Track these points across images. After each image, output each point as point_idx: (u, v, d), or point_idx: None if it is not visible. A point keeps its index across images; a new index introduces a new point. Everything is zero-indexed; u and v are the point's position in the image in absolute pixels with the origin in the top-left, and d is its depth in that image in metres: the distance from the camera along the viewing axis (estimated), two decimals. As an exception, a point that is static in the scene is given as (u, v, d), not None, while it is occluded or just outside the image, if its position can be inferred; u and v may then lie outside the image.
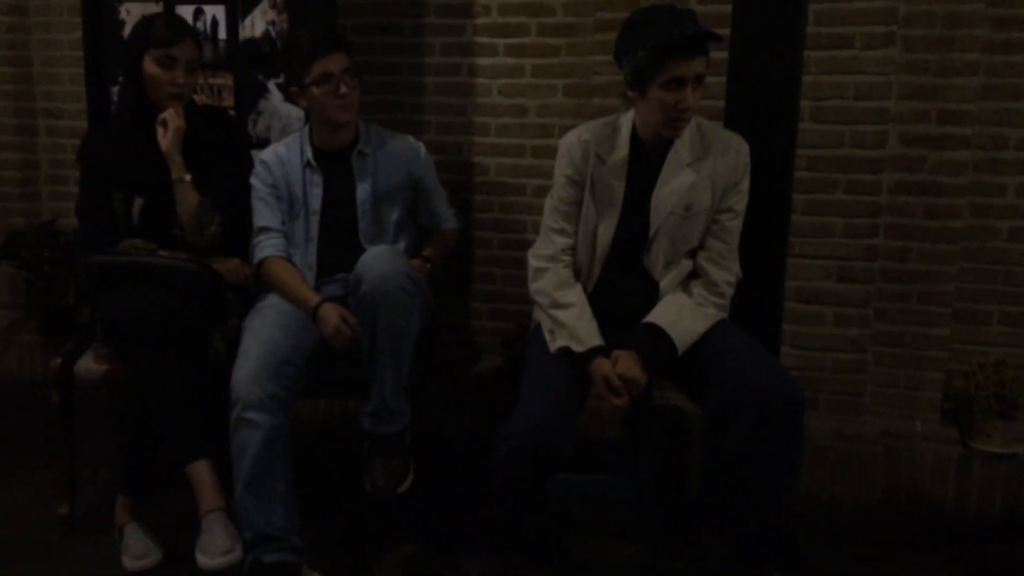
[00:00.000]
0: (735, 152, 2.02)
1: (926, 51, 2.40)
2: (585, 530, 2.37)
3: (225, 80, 2.69)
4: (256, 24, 2.66)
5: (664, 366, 2.00)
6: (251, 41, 2.66)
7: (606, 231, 2.05)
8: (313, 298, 2.16)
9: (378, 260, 2.01)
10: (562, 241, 2.08)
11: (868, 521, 2.47)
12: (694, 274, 2.08)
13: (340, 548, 2.27)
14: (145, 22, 2.27)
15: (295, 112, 2.62)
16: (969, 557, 2.30)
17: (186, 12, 2.62)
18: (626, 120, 2.06)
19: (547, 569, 2.20)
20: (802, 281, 2.54)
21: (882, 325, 2.53)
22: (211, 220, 2.24)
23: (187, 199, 2.23)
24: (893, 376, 2.55)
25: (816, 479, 2.53)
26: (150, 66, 2.21)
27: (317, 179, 2.28)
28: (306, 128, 2.33)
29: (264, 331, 2.09)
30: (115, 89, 2.70)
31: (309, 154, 2.28)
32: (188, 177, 2.23)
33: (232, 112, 2.68)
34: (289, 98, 2.41)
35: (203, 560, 1.94)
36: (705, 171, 2.01)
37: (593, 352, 1.96)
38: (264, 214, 2.28)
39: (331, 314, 2.10)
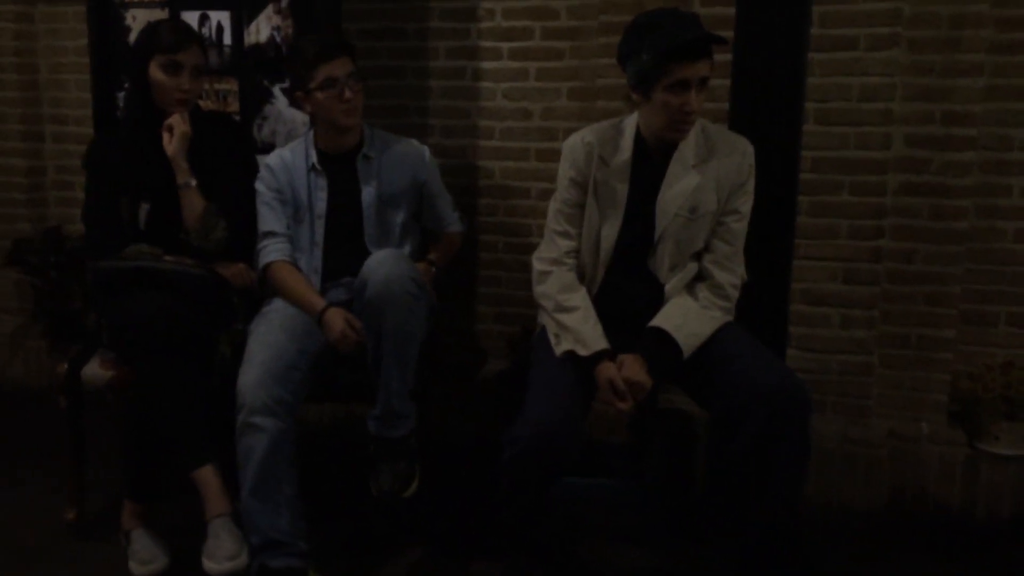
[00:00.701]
0: (740, 154, 2.02)
1: (931, 52, 2.39)
2: (591, 534, 2.37)
3: (230, 85, 2.70)
4: (261, 29, 2.66)
5: (669, 370, 1.99)
6: (256, 47, 2.67)
7: (609, 233, 2.04)
8: (319, 302, 2.16)
9: (383, 264, 2.02)
10: (566, 244, 2.08)
11: (874, 523, 2.46)
12: (699, 277, 2.07)
13: (346, 552, 2.26)
14: (151, 28, 2.27)
15: (300, 117, 2.62)
16: (976, 559, 2.28)
17: (191, 18, 2.63)
18: (630, 123, 2.06)
19: (553, 573, 2.19)
20: (808, 283, 2.54)
21: (888, 327, 2.53)
22: (217, 225, 2.25)
23: (193, 204, 2.24)
24: (899, 378, 2.55)
25: (822, 481, 2.53)
26: (156, 72, 2.22)
27: (322, 183, 2.28)
28: (311, 132, 2.33)
29: (270, 336, 2.09)
30: (121, 95, 2.71)
31: (314, 158, 2.28)
32: (194, 182, 2.24)
33: (237, 117, 2.68)
34: (294, 103, 2.41)
35: (209, 565, 1.94)
36: (710, 173, 2.00)
37: (598, 356, 1.95)
38: (269, 218, 2.28)
39: (336, 318, 2.10)
